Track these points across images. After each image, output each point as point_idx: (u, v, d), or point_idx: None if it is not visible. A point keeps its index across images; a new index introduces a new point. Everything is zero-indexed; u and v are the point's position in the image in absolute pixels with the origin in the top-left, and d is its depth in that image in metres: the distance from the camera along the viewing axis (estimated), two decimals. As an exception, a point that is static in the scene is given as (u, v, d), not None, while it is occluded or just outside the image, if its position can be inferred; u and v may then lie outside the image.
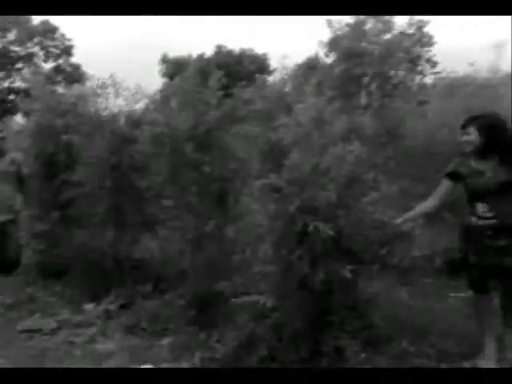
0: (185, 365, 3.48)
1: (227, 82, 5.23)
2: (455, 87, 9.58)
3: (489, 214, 3.40)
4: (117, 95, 6.02)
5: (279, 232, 3.27)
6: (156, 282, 4.86)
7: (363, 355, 3.11)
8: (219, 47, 30.40)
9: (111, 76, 6.05)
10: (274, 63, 27.33)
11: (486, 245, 3.40)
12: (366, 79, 15.52)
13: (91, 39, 46.96)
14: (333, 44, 18.14)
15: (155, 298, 4.58)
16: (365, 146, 3.99)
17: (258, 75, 8.37)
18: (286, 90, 8.05)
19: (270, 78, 22.81)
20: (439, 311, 3.93)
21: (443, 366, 3.31)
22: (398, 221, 3.48)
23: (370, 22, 18.06)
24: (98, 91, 6.12)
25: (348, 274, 3.02)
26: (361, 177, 3.63)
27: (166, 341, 4.01)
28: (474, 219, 3.43)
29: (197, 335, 3.84)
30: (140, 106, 6.33)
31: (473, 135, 3.52)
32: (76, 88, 8.11)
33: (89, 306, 4.81)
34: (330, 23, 17.39)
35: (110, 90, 6.05)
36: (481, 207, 3.43)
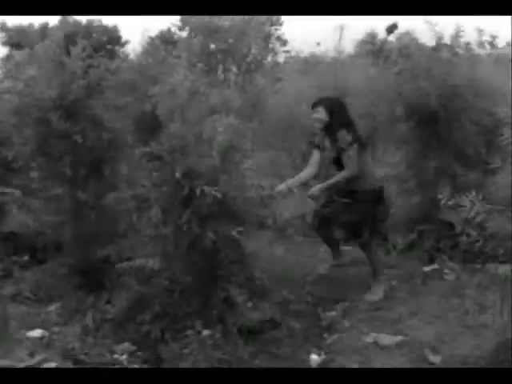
0: (77, 328, 3.48)
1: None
2: (308, 65, 10.25)
3: None
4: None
5: (166, 198, 3.38)
6: (32, 252, 4.71)
7: (250, 304, 3.38)
8: (64, 17, 28.51)
9: None
10: (124, 35, 26.58)
11: (333, 199, 4.14)
12: (220, 55, 15.81)
13: None
14: (184, 20, 18.11)
15: (34, 268, 4.45)
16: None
17: (109, 46, 8.17)
18: (148, 61, 8.01)
19: (123, 50, 22.10)
20: (312, 263, 4.38)
21: (320, 310, 3.76)
22: (282, 187, 3.86)
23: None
24: None
25: (236, 234, 3.24)
26: (238, 146, 3.89)
27: (53, 307, 3.95)
28: None
29: (85, 299, 3.86)
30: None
31: (321, 114, 4.08)
32: None
33: (-38, 281, 4.50)
34: None
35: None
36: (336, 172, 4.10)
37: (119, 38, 26.62)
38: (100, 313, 3.64)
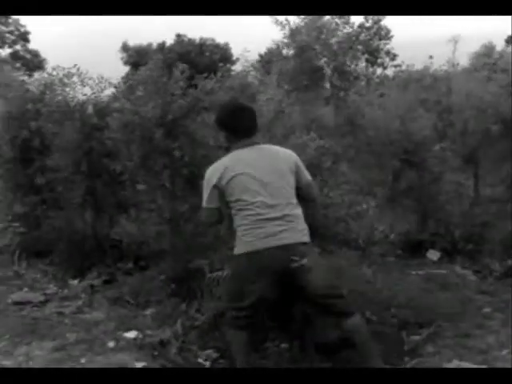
0: (168, 333, 3.73)
1: (190, 72, 5.38)
2: (412, 80, 10.02)
3: None
4: (82, 84, 6.14)
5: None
6: (135, 260, 5.12)
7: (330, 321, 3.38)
8: (179, 36, 30.10)
9: (76, 65, 6.17)
10: (236, 52, 27.47)
11: None
12: (327, 71, 15.85)
13: (48, 25, 45.80)
14: (290, 37, 18.30)
15: (136, 275, 4.85)
16: (326, 136, 4.30)
17: (221, 65, 8.49)
18: (249, 80, 8.30)
19: (234, 68, 22.93)
20: (400, 286, 4.27)
21: (403, 333, 3.67)
22: None
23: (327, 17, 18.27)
24: (65, 80, 6.20)
25: (316, 249, 3.29)
26: (320, 164, 3.97)
27: (149, 311, 4.28)
28: None
29: (178, 306, 4.11)
30: (105, 94, 6.47)
31: None
32: (39, 76, 8.12)
33: (73, 282, 5.07)
34: (277, 21, 17.14)
35: (76, 79, 6.18)
36: None
37: (230, 55, 27.67)
38: (190, 320, 3.85)
